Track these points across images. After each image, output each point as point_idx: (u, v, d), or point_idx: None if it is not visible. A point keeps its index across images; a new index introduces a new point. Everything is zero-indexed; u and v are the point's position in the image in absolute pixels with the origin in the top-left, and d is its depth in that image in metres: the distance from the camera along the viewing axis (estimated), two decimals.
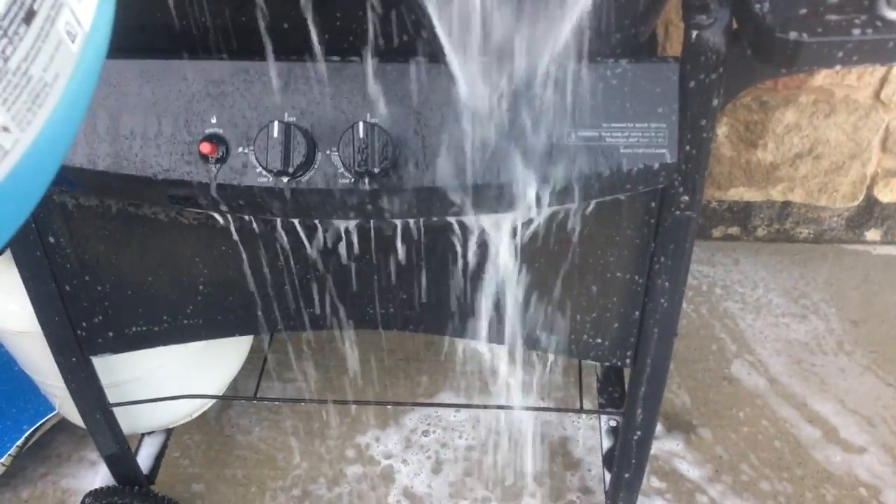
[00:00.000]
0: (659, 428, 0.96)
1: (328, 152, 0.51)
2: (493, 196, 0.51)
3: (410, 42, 0.49)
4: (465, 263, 0.61)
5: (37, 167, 0.27)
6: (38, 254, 0.64)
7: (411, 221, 0.58)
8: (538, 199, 0.52)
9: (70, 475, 0.94)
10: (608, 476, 0.82)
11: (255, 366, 0.97)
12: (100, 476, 0.93)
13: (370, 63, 0.51)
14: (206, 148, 0.51)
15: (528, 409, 0.97)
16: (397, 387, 1.01)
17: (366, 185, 0.51)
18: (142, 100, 0.51)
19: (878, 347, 1.04)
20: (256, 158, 0.51)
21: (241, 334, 0.72)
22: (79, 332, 0.69)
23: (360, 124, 0.49)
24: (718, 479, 0.91)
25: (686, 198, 0.54)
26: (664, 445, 0.94)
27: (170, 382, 0.83)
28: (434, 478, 0.92)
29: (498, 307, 0.63)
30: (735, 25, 0.47)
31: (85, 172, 0.52)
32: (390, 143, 0.50)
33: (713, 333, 1.07)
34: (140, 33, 0.49)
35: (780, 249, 1.19)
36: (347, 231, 0.60)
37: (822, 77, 1.02)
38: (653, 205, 0.57)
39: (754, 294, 1.12)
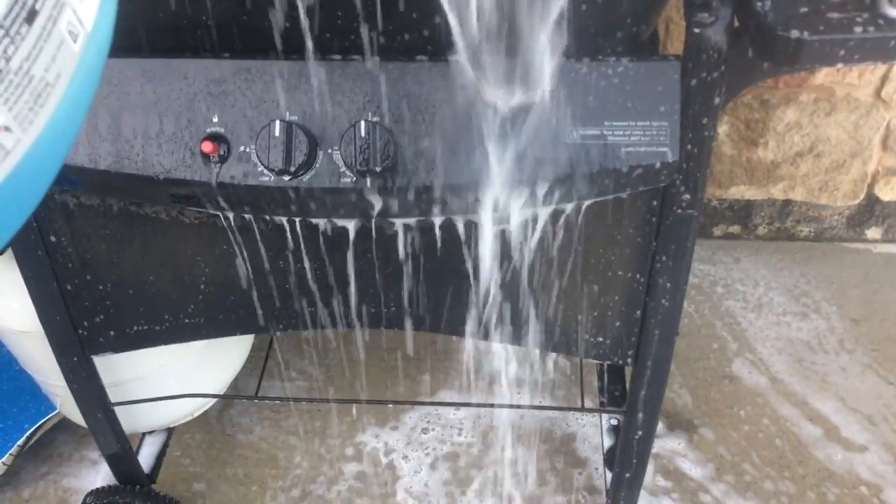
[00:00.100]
0: (660, 427, 0.96)
1: (330, 151, 0.51)
2: (495, 194, 0.51)
3: (412, 40, 0.49)
4: (467, 262, 0.61)
5: (38, 167, 0.27)
6: (40, 253, 0.64)
7: (413, 220, 0.58)
8: (540, 197, 0.52)
9: (71, 474, 0.94)
10: (609, 475, 0.82)
11: (256, 365, 0.97)
12: (101, 475, 0.93)
13: (372, 61, 0.50)
14: (207, 147, 0.51)
15: (528, 407, 0.97)
16: (398, 386, 1.01)
17: (367, 183, 0.51)
18: (143, 99, 0.51)
19: (878, 346, 1.04)
20: (258, 157, 0.51)
21: (243, 333, 0.72)
22: (80, 331, 0.69)
23: (362, 123, 0.49)
24: (721, 478, 0.91)
25: (688, 196, 0.54)
26: (666, 444, 0.94)
27: (171, 381, 0.84)
28: (434, 476, 0.92)
29: (500, 306, 0.63)
30: (736, 23, 0.47)
31: (86, 172, 0.52)
32: (392, 141, 0.50)
33: (714, 332, 1.07)
34: (141, 32, 0.49)
35: (780, 248, 1.19)
36: (349, 230, 0.60)
37: (822, 75, 1.01)
38: (654, 203, 0.57)
39: (755, 292, 1.12)
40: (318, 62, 0.50)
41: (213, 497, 0.91)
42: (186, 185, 0.52)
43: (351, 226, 0.60)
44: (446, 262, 0.61)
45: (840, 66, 0.47)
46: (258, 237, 0.61)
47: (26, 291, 0.67)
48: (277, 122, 0.49)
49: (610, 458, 0.86)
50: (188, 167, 0.52)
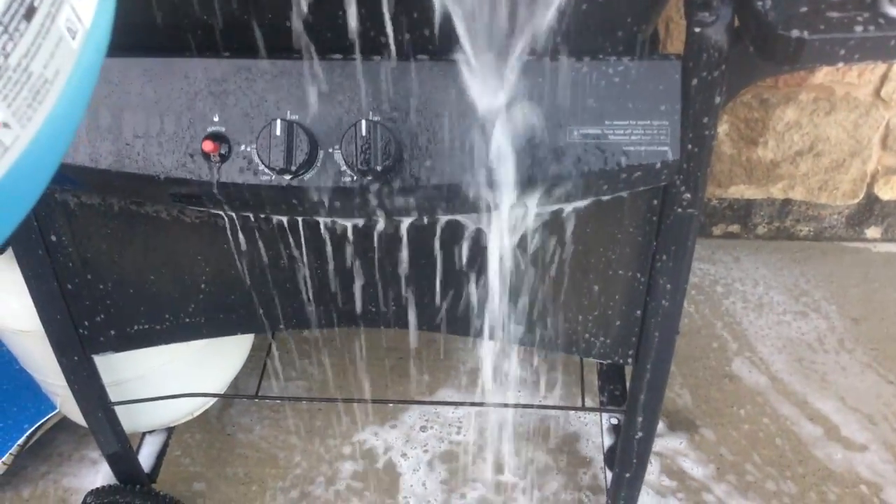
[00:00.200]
0: (661, 426, 0.96)
1: (330, 150, 0.51)
2: (496, 193, 0.51)
3: (413, 39, 0.49)
4: (468, 261, 0.61)
5: (37, 164, 0.26)
6: (40, 252, 0.64)
7: (413, 219, 0.58)
8: (541, 196, 0.52)
9: (71, 474, 0.94)
10: (610, 474, 0.82)
11: (255, 364, 0.97)
12: (101, 475, 0.93)
13: (372, 61, 0.50)
14: (208, 146, 0.50)
15: (529, 406, 0.97)
16: (397, 385, 1.01)
17: (368, 183, 0.51)
18: (144, 98, 0.51)
19: (878, 345, 1.04)
20: (259, 156, 0.51)
21: (243, 333, 0.72)
22: (80, 330, 0.69)
23: (363, 122, 0.49)
24: (722, 478, 0.91)
25: (688, 195, 0.54)
26: (667, 443, 0.94)
27: (171, 381, 0.84)
28: (433, 475, 0.92)
29: (500, 305, 0.63)
30: (737, 23, 0.47)
31: (87, 171, 0.52)
32: (393, 140, 0.50)
33: (714, 331, 1.07)
34: (142, 31, 0.49)
35: (780, 247, 1.19)
36: (349, 229, 0.60)
37: (822, 74, 1.01)
38: (655, 202, 0.57)
39: (755, 292, 1.12)
40: (319, 61, 0.50)
41: (213, 496, 0.91)
42: (187, 184, 0.52)
43: (351, 225, 0.60)
44: (447, 262, 0.61)
45: (840, 65, 0.47)
46: (259, 236, 0.61)
47: (27, 291, 0.67)
48: (278, 122, 0.49)
49: (610, 458, 0.86)
50: (189, 166, 0.52)
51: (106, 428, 0.78)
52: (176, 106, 0.51)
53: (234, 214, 0.59)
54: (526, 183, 0.51)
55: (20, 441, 0.88)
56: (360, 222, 0.59)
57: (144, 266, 0.65)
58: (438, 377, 1.02)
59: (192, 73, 0.51)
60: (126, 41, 0.46)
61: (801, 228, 1.19)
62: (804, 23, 0.42)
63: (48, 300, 0.67)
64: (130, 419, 0.81)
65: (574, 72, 0.50)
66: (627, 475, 0.76)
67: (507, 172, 0.51)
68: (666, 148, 0.51)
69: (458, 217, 0.58)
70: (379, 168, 0.50)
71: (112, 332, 0.70)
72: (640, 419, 0.70)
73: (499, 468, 0.93)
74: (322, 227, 0.59)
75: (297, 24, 0.48)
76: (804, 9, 0.43)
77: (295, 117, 0.51)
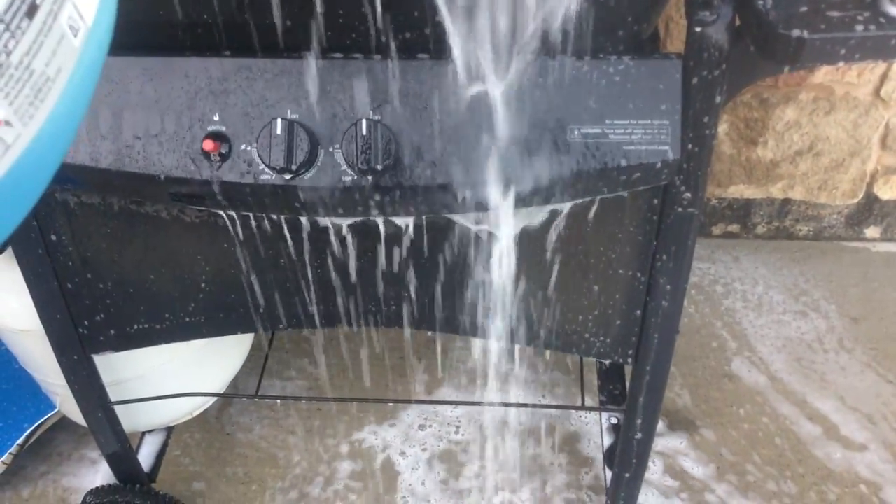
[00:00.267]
0: (661, 425, 0.96)
1: (331, 149, 0.51)
2: (496, 193, 0.51)
3: (413, 39, 0.49)
4: (469, 261, 0.61)
5: (39, 162, 0.26)
6: (40, 252, 0.64)
7: (414, 219, 0.58)
8: (542, 195, 0.52)
9: (71, 474, 0.94)
10: (609, 474, 0.82)
11: (255, 364, 0.97)
12: (100, 474, 0.93)
13: (373, 60, 0.50)
14: (208, 145, 0.50)
15: (528, 406, 0.97)
16: (397, 384, 1.01)
17: (369, 182, 0.51)
18: (144, 97, 0.51)
19: (878, 344, 1.05)
20: (259, 156, 0.50)
21: (243, 332, 0.72)
22: (80, 330, 0.69)
23: (363, 121, 0.49)
24: (723, 478, 0.91)
25: (688, 195, 0.54)
26: (669, 443, 0.94)
27: (171, 380, 0.83)
28: (431, 474, 0.92)
29: (501, 305, 0.63)
30: (738, 22, 0.47)
31: (87, 170, 0.52)
32: (393, 140, 0.50)
33: (713, 331, 1.07)
34: (143, 30, 0.49)
35: (779, 247, 1.19)
36: (350, 228, 0.60)
37: (822, 74, 1.02)
38: (655, 202, 0.57)
39: (754, 291, 1.12)
40: (319, 60, 0.50)
41: (212, 496, 0.91)
42: (188, 183, 0.52)
43: (351, 224, 0.60)
44: (447, 261, 0.61)
45: (841, 64, 0.47)
46: (259, 236, 0.61)
47: (26, 290, 0.66)
48: (279, 121, 0.49)
49: (610, 457, 0.86)
50: (189, 166, 0.52)
51: (105, 427, 0.78)
52: (176, 105, 0.51)
53: (234, 214, 0.59)
54: (526, 182, 0.51)
55: (19, 440, 0.88)
56: (361, 222, 0.59)
57: (144, 265, 0.65)
58: (437, 376, 1.02)
59: (193, 72, 0.51)
60: (126, 40, 0.46)
61: (801, 228, 1.19)
62: (805, 22, 0.42)
63: (48, 299, 0.67)
64: (130, 419, 0.81)
65: (574, 71, 0.50)
66: (627, 475, 0.76)
67: (507, 172, 0.51)
68: (666, 147, 0.51)
69: (459, 216, 0.58)
70: (379, 167, 0.49)
71: (112, 332, 0.70)
72: (639, 418, 0.70)
73: (498, 468, 0.93)
74: (322, 226, 0.59)
75: (298, 23, 0.48)
76: (805, 8, 0.43)
77: (295, 116, 0.51)
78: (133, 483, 0.85)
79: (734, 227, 1.20)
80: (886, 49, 0.43)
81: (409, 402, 0.99)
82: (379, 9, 0.47)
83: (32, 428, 0.89)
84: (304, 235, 0.60)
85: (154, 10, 0.49)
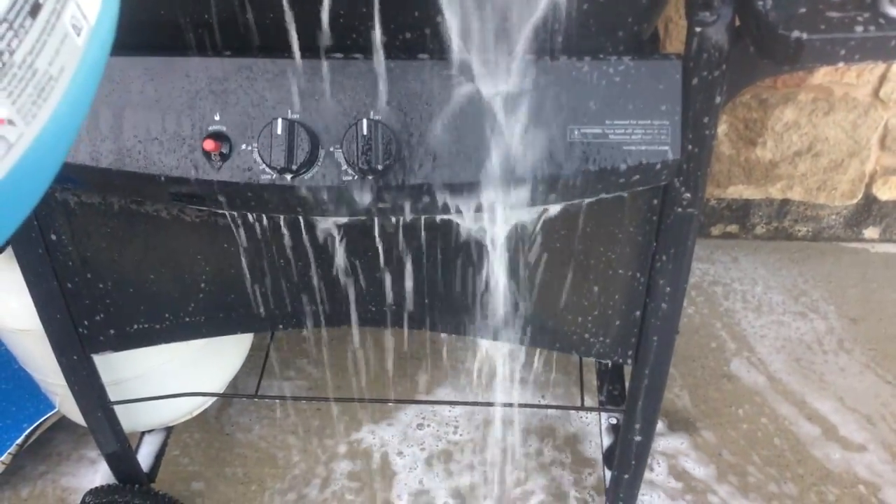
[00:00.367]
0: (661, 426, 0.96)
1: (331, 149, 0.51)
2: (496, 193, 0.51)
3: (414, 39, 0.49)
4: (469, 261, 0.61)
5: (41, 161, 0.26)
6: (40, 251, 0.63)
7: (414, 219, 0.58)
8: (542, 195, 0.52)
9: (70, 473, 0.94)
10: (608, 474, 0.82)
11: (255, 364, 0.97)
12: (100, 474, 0.93)
13: (373, 60, 0.50)
14: (209, 145, 0.50)
15: (527, 406, 0.97)
16: (396, 384, 1.01)
17: (369, 182, 0.51)
18: (145, 97, 0.51)
19: (876, 345, 1.05)
20: (260, 155, 0.51)
21: (243, 332, 0.72)
22: (80, 329, 0.69)
23: (364, 121, 0.49)
24: (724, 479, 0.91)
25: (688, 195, 0.55)
26: (670, 443, 0.94)
27: (171, 380, 0.83)
28: (431, 473, 0.92)
29: (501, 305, 0.63)
30: (737, 22, 0.48)
31: (88, 170, 0.52)
32: (394, 140, 0.50)
33: (712, 331, 1.07)
34: (144, 30, 0.49)
35: (778, 247, 1.19)
36: (350, 228, 0.60)
37: (821, 75, 1.02)
38: (655, 202, 0.57)
39: (753, 292, 1.12)
40: (320, 60, 0.50)
41: (211, 496, 0.91)
42: (188, 183, 0.52)
43: (352, 224, 0.60)
44: (447, 261, 0.61)
45: (841, 65, 0.47)
46: (259, 235, 0.61)
47: (26, 290, 0.66)
48: (279, 121, 0.49)
49: (609, 457, 0.86)
50: (190, 165, 0.52)
51: (105, 427, 0.78)
52: (177, 105, 0.51)
53: (234, 214, 0.59)
54: (526, 182, 0.51)
55: (19, 440, 0.88)
56: (360, 221, 0.59)
57: (144, 265, 0.65)
58: (436, 376, 1.02)
59: (194, 72, 0.51)
60: (127, 40, 0.46)
61: (800, 229, 1.19)
62: (805, 23, 0.43)
63: (48, 299, 0.67)
64: (129, 418, 0.81)
65: (575, 71, 0.50)
66: (626, 476, 0.76)
67: (507, 172, 0.51)
68: (666, 148, 0.51)
69: (459, 216, 0.58)
70: (380, 167, 0.50)
71: (111, 332, 0.70)
72: (639, 419, 0.70)
73: (497, 468, 0.93)
74: (322, 226, 0.59)
75: (298, 23, 0.48)
76: (804, 9, 0.43)
77: (296, 116, 0.51)
78: (132, 483, 0.84)
79: (733, 228, 1.20)
80: (886, 50, 0.43)
81: (407, 402, 0.99)
82: (379, 9, 0.47)
83: (32, 428, 0.89)
84: (304, 235, 0.60)
85: (155, 10, 0.49)
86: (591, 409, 0.96)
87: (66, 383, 0.74)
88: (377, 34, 0.49)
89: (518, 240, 0.59)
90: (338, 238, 0.60)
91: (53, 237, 0.63)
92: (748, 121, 1.07)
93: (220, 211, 0.59)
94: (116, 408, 0.77)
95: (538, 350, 1.02)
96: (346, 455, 0.95)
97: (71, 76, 0.27)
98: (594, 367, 0.98)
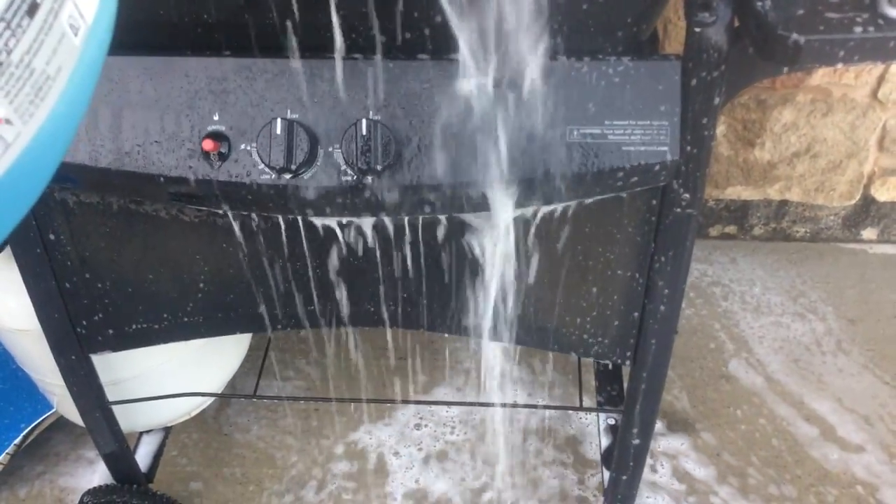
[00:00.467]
0: (661, 426, 0.96)
1: (331, 149, 0.51)
2: (496, 193, 0.51)
3: (413, 39, 0.49)
4: (468, 261, 0.61)
5: (39, 160, 0.26)
6: (39, 251, 0.63)
7: (413, 219, 0.58)
8: (541, 195, 0.52)
9: (68, 474, 0.93)
10: (607, 474, 0.82)
11: (253, 364, 0.97)
12: (98, 474, 0.93)
13: (373, 60, 0.50)
14: (208, 145, 0.50)
15: (526, 406, 0.97)
16: (394, 384, 1.01)
17: (368, 182, 0.51)
18: (144, 97, 0.51)
19: (875, 346, 1.05)
20: (259, 155, 0.50)
21: (242, 332, 0.72)
22: (79, 329, 0.69)
23: (363, 121, 0.49)
24: (724, 480, 0.91)
25: (687, 195, 0.55)
26: (671, 444, 0.94)
27: (169, 380, 0.83)
28: (429, 473, 0.92)
29: (500, 305, 0.63)
30: (737, 23, 0.48)
31: (87, 169, 0.52)
32: (393, 140, 0.50)
33: (711, 332, 1.07)
34: (143, 30, 0.49)
35: (777, 248, 1.19)
36: (349, 228, 0.60)
37: (819, 76, 1.02)
38: (654, 202, 0.57)
39: (752, 293, 1.12)
40: (319, 60, 0.50)
41: (210, 496, 0.91)
42: (187, 183, 0.52)
43: (351, 224, 0.60)
44: (446, 261, 0.61)
45: (840, 66, 0.47)
46: (258, 235, 0.61)
47: (24, 290, 0.66)
48: (279, 121, 0.49)
49: (607, 457, 0.86)
50: (189, 165, 0.52)
51: (103, 427, 0.78)
52: (176, 105, 0.51)
53: (233, 214, 0.59)
54: (525, 182, 0.51)
55: (17, 440, 0.88)
56: (360, 222, 0.59)
57: (143, 265, 0.65)
58: (434, 376, 1.02)
59: (193, 71, 0.51)
60: (126, 39, 0.45)
61: (798, 230, 1.19)
62: (804, 24, 0.43)
63: (46, 299, 0.67)
64: (128, 419, 0.81)
65: (574, 71, 0.50)
66: (624, 477, 0.76)
67: (506, 172, 0.51)
68: (665, 148, 0.51)
69: (458, 216, 0.58)
70: (379, 167, 0.50)
71: (110, 332, 0.70)
72: (637, 419, 0.70)
73: (496, 468, 0.93)
74: (321, 226, 0.59)
75: (298, 23, 0.48)
76: (803, 10, 0.43)
77: (295, 116, 0.51)
78: (130, 483, 0.84)
79: (731, 229, 1.20)
80: (885, 51, 0.43)
81: (406, 402, 0.99)
82: (379, 9, 0.47)
83: (29, 428, 0.89)
84: (303, 235, 0.60)
85: (154, 10, 0.49)
86: (589, 410, 0.97)
87: (64, 383, 0.74)
88: (377, 34, 0.49)
89: (517, 240, 0.59)
90: (336, 238, 0.60)
91: (52, 237, 0.63)
92: (747, 122, 1.07)
93: (219, 211, 0.59)
94: (115, 408, 0.77)
95: (536, 350, 1.02)
96: (344, 455, 0.95)
97: (68, 76, 0.27)
98: (592, 368, 0.98)
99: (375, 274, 0.63)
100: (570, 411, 0.98)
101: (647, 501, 0.89)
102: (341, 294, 0.65)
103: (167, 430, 0.93)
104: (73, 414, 0.81)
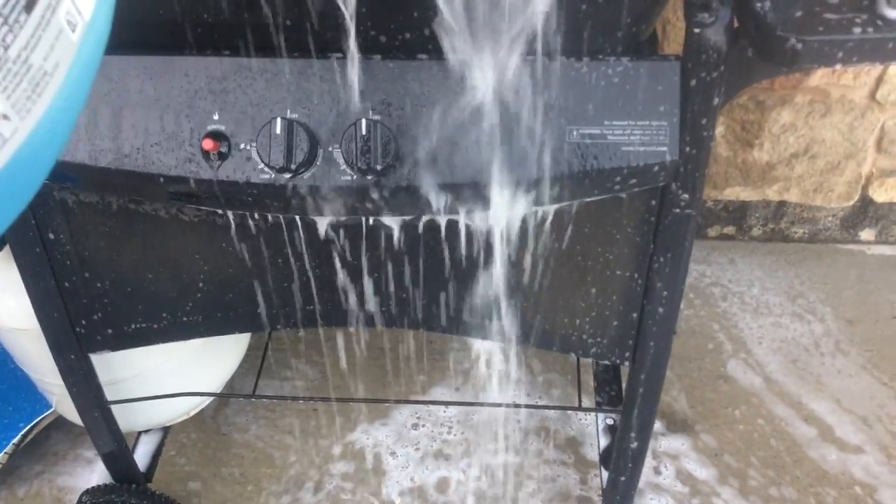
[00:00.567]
0: (661, 427, 0.96)
1: (330, 149, 0.51)
2: (495, 193, 0.51)
3: (413, 39, 0.49)
4: (467, 260, 0.61)
5: (35, 156, 0.26)
6: (38, 250, 0.63)
7: (413, 218, 0.58)
8: (540, 196, 0.52)
9: (66, 473, 0.93)
10: (605, 474, 0.82)
11: (252, 364, 0.97)
12: (96, 474, 0.93)
13: (373, 60, 0.50)
14: (208, 144, 0.50)
15: (525, 406, 0.97)
16: (392, 384, 1.01)
17: (368, 181, 0.51)
18: (144, 96, 0.51)
19: (873, 347, 1.05)
20: (259, 155, 0.50)
21: (241, 331, 0.72)
22: (78, 329, 0.69)
23: (363, 121, 0.49)
24: (725, 481, 0.91)
25: (686, 196, 0.55)
26: (671, 444, 0.94)
27: (168, 380, 0.83)
28: (427, 473, 0.92)
29: (499, 305, 0.63)
30: (736, 24, 0.48)
31: (86, 169, 0.52)
32: (393, 140, 0.50)
33: (709, 332, 1.07)
34: (143, 29, 0.49)
35: (775, 249, 1.19)
36: (348, 228, 0.60)
37: (818, 77, 1.02)
38: (653, 203, 0.57)
39: (750, 293, 1.12)
40: (319, 60, 0.50)
41: (208, 496, 0.91)
42: (187, 182, 0.52)
43: (350, 224, 0.60)
44: (445, 261, 0.61)
45: (839, 66, 0.48)
46: (257, 235, 0.61)
47: (23, 289, 0.66)
48: (278, 120, 0.49)
49: (606, 458, 0.86)
50: (189, 165, 0.52)
51: (102, 427, 0.77)
52: (176, 104, 0.51)
53: (232, 213, 0.59)
54: (525, 182, 0.51)
55: (15, 440, 0.87)
56: (360, 221, 0.59)
57: (142, 264, 0.65)
58: (433, 376, 1.02)
59: (192, 71, 0.51)
60: (126, 39, 0.46)
61: (796, 230, 1.19)
62: (803, 25, 0.43)
63: (45, 298, 0.67)
64: (126, 418, 0.81)
65: (573, 72, 0.50)
66: (623, 478, 0.76)
67: (505, 172, 0.51)
68: (664, 148, 0.51)
69: (457, 216, 0.58)
70: (379, 167, 0.50)
71: (109, 331, 0.70)
72: (636, 419, 0.70)
73: (495, 468, 0.93)
74: (321, 225, 0.59)
75: (298, 22, 0.48)
76: (803, 11, 0.43)
77: (295, 116, 0.51)
78: (129, 483, 0.84)
79: (730, 229, 1.20)
80: (884, 51, 0.43)
81: (405, 402, 0.99)
82: (379, 9, 0.47)
83: (28, 427, 0.89)
84: (303, 235, 0.60)
85: (154, 9, 0.49)
86: (588, 410, 0.97)
87: (63, 383, 0.74)
88: (377, 34, 0.49)
89: (516, 240, 0.59)
90: (336, 238, 0.60)
91: (51, 236, 0.63)
92: (745, 122, 1.07)
93: (219, 210, 0.59)
94: (113, 407, 0.77)
95: (535, 350, 1.02)
96: (342, 455, 0.95)
97: (66, 72, 0.27)
98: (591, 368, 0.98)
99: (374, 274, 0.63)
100: (570, 412, 0.98)
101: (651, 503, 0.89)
102: (340, 294, 0.65)
103: (166, 430, 0.93)
104: (71, 413, 0.81)
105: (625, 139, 0.51)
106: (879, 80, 1.02)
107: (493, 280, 0.61)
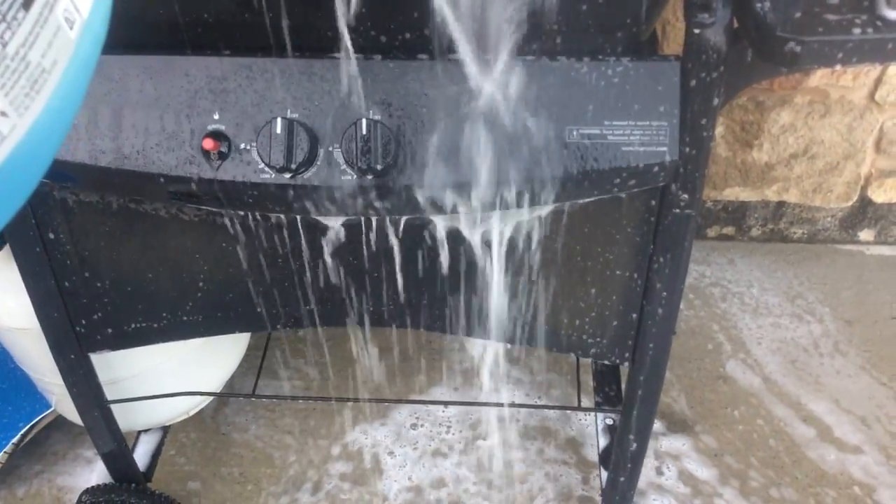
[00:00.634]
0: (661, 427, 0.96)
1: (331, 149, 0.51)
2: (495, 193, 0.51)
3: (413, 39, 0.49)
4: (467, 261, 0.61)
5: (33, 153, 0.26)
6: (38, 250, 0.63)
7: (413, 218, 0.58)
8: (540, 196, 0.52)
9: (66, 473, 0.93)
10: (605, 474, 0.82)
11: (251, 364, 0.97)
12: (96, 474, 0.93)
13: (373, 60, 0.50)
14: (208, 144, 0.50)
15: (524, 406, 0.97)
16: (392, 383, 1.01)
17: (368, 181, 0.51)
18: (144, 96, 0.51)
19: (871, 347, 1.05)
20: (259, 155, 0.50)
21: (241, 331, 0.72)
22: (78, 328, 0.69)
23: (364, 121, 0.49)
24: (726, 482, 0.91)
25: (686, 196, 0.55)
26: (671, 444, 0.94)
27: (168, 379, 0.83)
28: (425, 473, 0.92)
29: (498, 305, 0.63)
30: (736, 24, 0.48)
31: (86, 168, 0.52)
32: (393, 140, 0.50)
33: (708, 333, 1.07)
34: (143, 29, 0.49)
35: (774, 249, 1.19)
36: (348, 228, 0.60)
37: (817, 77, 1.02)
38: (653, 203, 0.57)
39: (749, 294, 1.13)
40: (319, 60, 0.50)
41: (207, 496, 0.91)
42: (187, 182, 0.52)
43: (351, 224, 0.60)
44: (446, 261, 0.61)
45: (838, 67, 0.48)
46: (258, 235, 0.61)
47: (24, 288, 0.66)
48: (279, 120, 0.49)
49: (605, 458, 0.86)
50: (189, 164, 0.52)
51: (102, 426, 0.77)
52: (176, 104, 0.51)
53: (233, 213, 0.59)
54: (525, 182, 0.51)
55: (15, 439, 0.87)
56: (359, 221, 0.59)
57: (142, 264, 0.65)
58: (432, 376, 1.02)
59: (193, 70, 0.51)
60: (126, 38, 0.46)
61: (795, 231, 1.19)
62: (803, 25, 0.43)
63: (45, 298, 0.67)
64: (126, 418, 0.81)
65: (573, 72, 0.50)
66: (622, 478, 0.76)
67: (506, 172, 0.51)
68: (664, 149, 0.51)
69: (457, 216, 0.58)
70: (379, 167, 0.50)
71: (109, 331, 0.70)
72: (635, 419, 0.70)
73: (495, 469, 0.93)
74: (320, 225, 0.59)
75: (298, 22, 0.48)
76: (802, 11, 0.43)
77: (295, 115, 0.51)
78: (129, 482, 0.84)
79: (729, 230, 1.20)
80: (883, 52, 0.43)
81: (404, 402, 0.99)
82: (379, 9, 0.47)
83: (28, 427, 0.89)
84: (303, 235, 0.60)
85: (154, 9, 0.49)
86: (587, 410, 0.97)
87: (62, 382, 0.74)
88: (377, 34, 0.49)
89: (516, 240, 0.59)
90: (336, 238, 0.60)
91: (51, 236, 0.63)
92: (745, 123, 1.07)
93: (219, 210, 0.59)
94: (113, 407, 0.77)
95: (535, 350, 1.02)
96: (341, 455, 0.95)
97: (63, 69, 0.27)
98: (591, 369, 0.98)
99: (374, 273, 0.63)
100: (570, 412, 0.98)
101: None
102: (340, 294, 0.65)
103: (165, 430, 0.93)
104: (71, 413, 0.81)
105: (625, 139, 0.51)
106: (878, 81, 1.02)
107: (493, 280, 0.61)
